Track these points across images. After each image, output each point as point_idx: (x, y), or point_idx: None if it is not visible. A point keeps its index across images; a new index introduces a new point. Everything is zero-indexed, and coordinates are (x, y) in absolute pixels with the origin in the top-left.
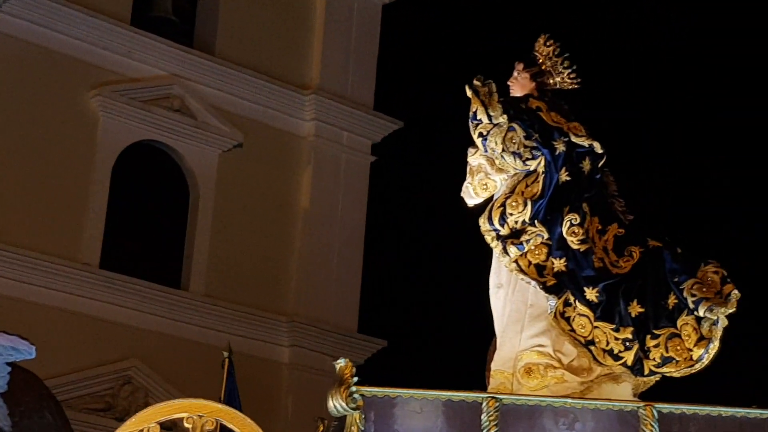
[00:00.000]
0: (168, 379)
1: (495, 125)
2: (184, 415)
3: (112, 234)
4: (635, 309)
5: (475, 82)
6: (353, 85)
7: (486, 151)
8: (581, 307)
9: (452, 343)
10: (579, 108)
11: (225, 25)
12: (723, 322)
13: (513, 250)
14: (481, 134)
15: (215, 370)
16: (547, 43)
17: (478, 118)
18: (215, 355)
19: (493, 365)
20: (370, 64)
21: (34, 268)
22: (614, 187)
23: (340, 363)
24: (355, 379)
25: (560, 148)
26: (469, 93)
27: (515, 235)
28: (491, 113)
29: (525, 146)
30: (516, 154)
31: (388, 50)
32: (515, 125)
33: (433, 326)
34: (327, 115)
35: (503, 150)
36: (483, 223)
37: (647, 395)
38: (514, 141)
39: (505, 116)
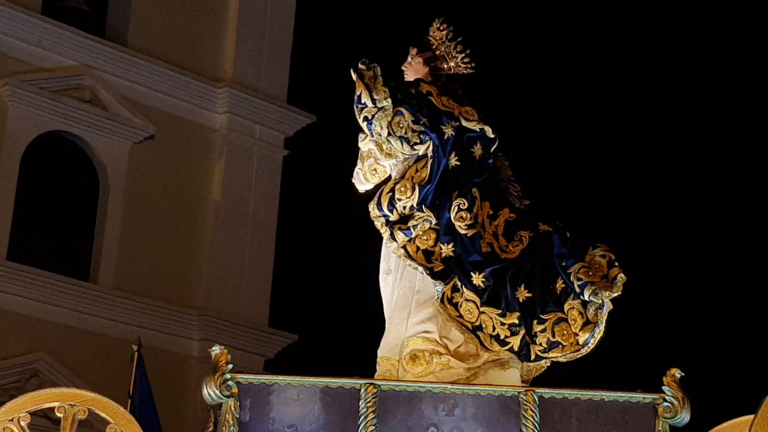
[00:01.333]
0: (76, 372)
1: (379, 109)
2: (56, 404)
3: (21, 225)
4: (522, 294)
5: (360, 66)
6: (266, 78)
7: (372, 135)
8: (468, 293)
9: (364, 336)
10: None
11: (137, 16)
12: (608, 306)
13: (400, 236)
14: (366, 118)
15: (125, 364)
16: (441, 28)
17: (362, 102)
18: (125, 349)
19: (380, 352)
20: (283, 57)
21: None
22: (509, 171)
23: (215, 350)
24: (230, 366)
25: (449, 132)
26: (354, 77)
27: (403, 220)
28: (375, 97)
29: (413, 131)
30: (403, 139)
31: (302, 43)
32: (403, 109)
33: (344, 319)
34: (240, 108)
35: (389, 134)
36: (372, 208)
37: (539, 381)
38: (401, 125)
39: (389, 100)
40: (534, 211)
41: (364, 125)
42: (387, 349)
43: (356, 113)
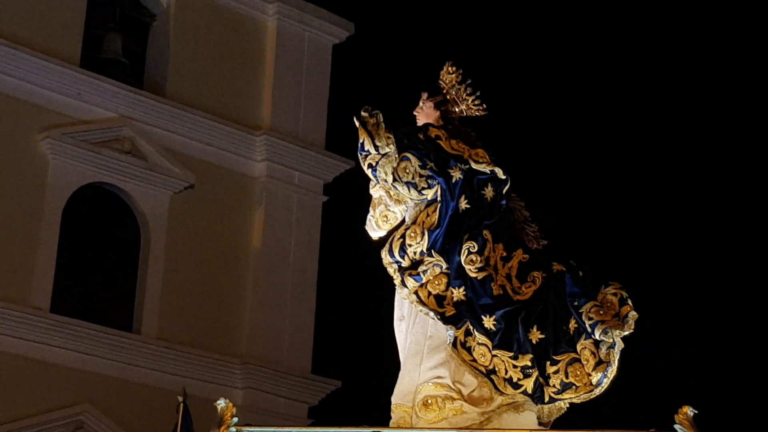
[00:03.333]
0: (121, 424)
1: (383, 155)
2: None
3: (63, 278)
4: (535, 335)
5: (363, 113)
6: (304, 125)
7: (378, 182)
8: (480, 336)
9: None
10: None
11: (175, 66)
12: (620, 345)
13: (411, 282)
14: (370, 165)
15: (170, 415)
16: (450, 71)
17: (365, 149)
18: (169, 399)
19: (393, 399)
20: (320, 103)
21: None
22: (525, 212)
23: (221, 404)
24: (235, 419)
25: (457, 175)
26: (357, 124)
27: (414, 266)
28: (378, 143)
29: (420, 175)
30: (410, 184)
31: (339, 90)
32: (409, 155)
33: (387, 365)
34: (278, 155)
35: (395, 180)
36: (384, 255)
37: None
38: (407, 171)
39: (393, 146)
40: (552, 251)
41: (369, 172)
42: (401, 396)
43: (360, 161)
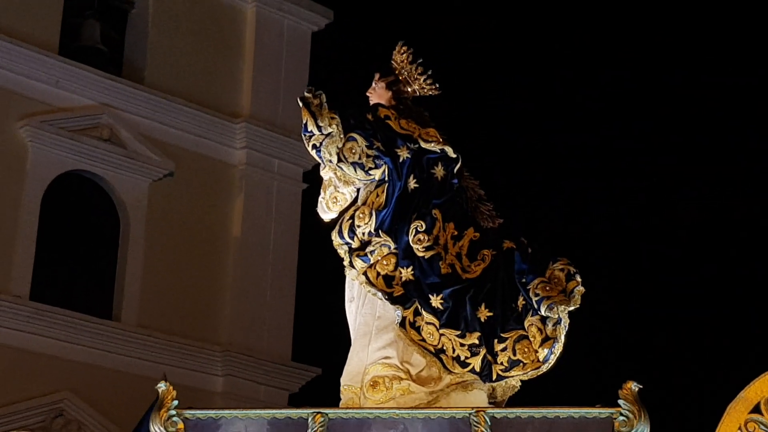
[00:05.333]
0: (102, 411)
1: (326, 136)
2: None
3: (43, 265)
4: (484, 313)
5: (306, 94)
6: (284, 113)
7: (323, 162)
8: (428, 316)
9: None
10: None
11: (154, 54)
12: (565, 321)
13: (359, 263)
14: (314, 146)
15: (150, 401)
16: (401, 51)
17: (309, 129)
18: (149, 386)
19: (342, 380)
20: (300, 91)
21: None
22: (480, 191)
23: (161, 387)
24: (175, 402)
25: (404, 155)
26: (300, 105)
27: (362, 247)
28: (320, 124)
29: (367, 156)
30: (357, 164)
31: (318, 77)
32: (355, 135)
33: None
34: (258, 142)
35: (339, 160)
36: (334, 237)
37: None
38: (353, 151)
39: (337, 127)
40: (507, 230)
41: (313, 153)
42: (349, 377)
43: (305, 142)
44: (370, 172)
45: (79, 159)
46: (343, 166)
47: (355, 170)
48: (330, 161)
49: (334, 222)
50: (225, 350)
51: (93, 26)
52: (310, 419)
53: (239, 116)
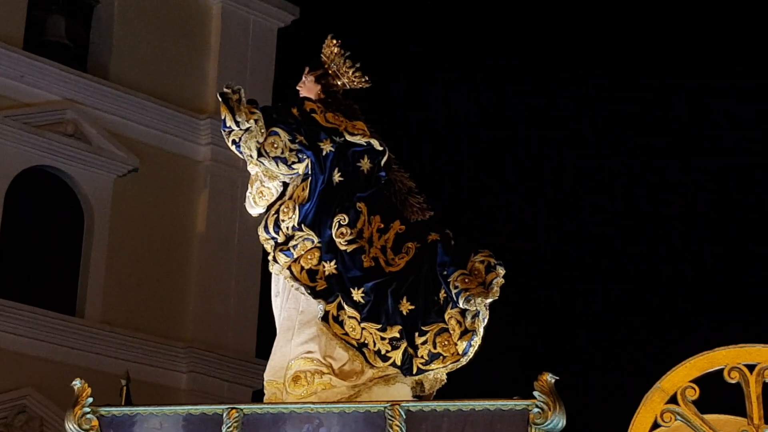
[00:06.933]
0: (64, 407)
1: (245, 131)
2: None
3: (6, 261)
4: (405, 306)
5: (225, 90)
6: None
7: (243, 157)
8: (349, 309)
9: None
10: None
11: (119, 49)
12: (484, 313)
13: (282, 258)
14: (234, 141)
15: (114, 398)
16: (330, 44)
17: (227, 125)
18: (113, 383)
19: (266, 375)
20: (265, 88)
21: None
22: (410, 183)
23: (77, 385)
24: (90, 400)
25: (327, 148)
26: (220, 100)
27: (287, 241)
28: (238, 119)
29: (291, 150)
30: (279, 159)
31: (284, 74)
32: (277, 129)
33: None
34: (223, 138)
35: (260, 155)
36: (260, 232)
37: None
38: (276, 146)
39: (256, 122)
40: (436, 222)
41: (233, 148)
42: (272, 372)
43: (225, 137)
44: (293, 166)
45: (44, 154)
46: (264, 161)
47: (278, 165)
48: (250, 156)
49: (261, 216)
50: (189, 347)
51: (58, 21)
52: (225, 415)
53: (204, 112)
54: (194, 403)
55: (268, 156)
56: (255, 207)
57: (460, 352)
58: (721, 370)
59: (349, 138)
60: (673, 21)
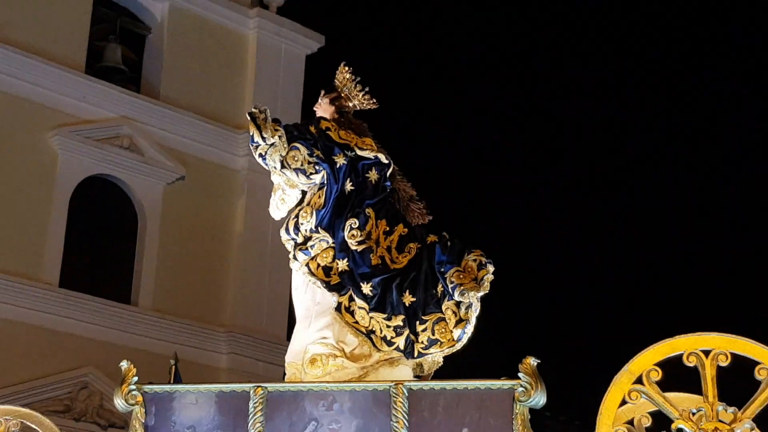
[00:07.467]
0: None
1: (270, 145)
2: None
3: (70, 257)
4: (408, 299)
5: (253, 110)
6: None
7: (269, 168)
8: (359, 301)
9: None
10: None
11: (168, 73)
12: (476, 305)
13: (301, 256)
14: (260, 155)
15: (163, 376)
16: (343, 71)
17: (255, 140)
18: (163, 363)
19: (287, 358)
20: (295, 107)
21: (3, 288)
22: (411, 191)
23: (123, 365)
24: (135, 378)
25: (341, 161)
26: (248, 119)
27: (305, 242)
28: (264, 135)
29: (309, 162)
30: (299, 170)
31: (311, 95)
32: (298, 144)
33: None
34: None
35: (283, 167)
36: (282, 233)
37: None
38: (296, 159)
39: (281, 138)
40: (431, 225)
41: (260, 161)
42: (292, 355)
43: (252, 151)
44: (311, 176)
45: (102, 164)
46: (286, 172)
47: (297, 175)
48: (275, 167)
49: (283, 220)
50: (229, 331)
51: (115, 49)
52: (251, 392)
53: (242, 128)
54: (233, 381)
55: (290, 167)
56: (278, 211)
57: (455, 339)
58: (680, 355)
59: (359, 152)
60: None
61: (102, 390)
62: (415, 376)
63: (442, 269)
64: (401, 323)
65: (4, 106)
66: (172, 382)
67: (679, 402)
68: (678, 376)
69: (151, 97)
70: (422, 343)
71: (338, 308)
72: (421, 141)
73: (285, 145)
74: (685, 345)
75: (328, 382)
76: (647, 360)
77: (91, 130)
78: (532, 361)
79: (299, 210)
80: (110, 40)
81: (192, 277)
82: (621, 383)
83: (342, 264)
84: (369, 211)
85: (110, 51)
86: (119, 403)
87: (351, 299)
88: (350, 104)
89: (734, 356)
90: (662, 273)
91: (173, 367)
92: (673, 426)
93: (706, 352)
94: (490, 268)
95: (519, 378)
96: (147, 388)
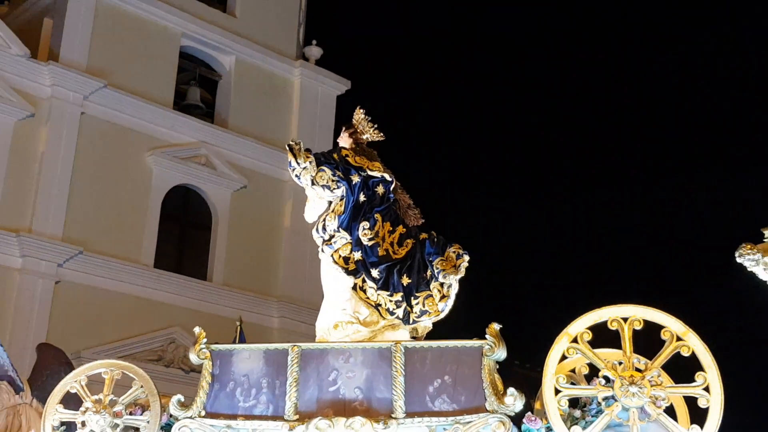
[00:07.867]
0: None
1: (303, 168)
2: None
3: (162, 245)
4: (405, 280)
5: (290, 142)
6: (318, 148)
7: (302, 185)
8: (370, 282)
9: None
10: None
11: (235, 109)
12: (455, 285)
13: (327, 249)
14: (296, 175)
15: (231, 334)
16: (359, 113)
17: (292, 165)
18: (231, 324)
19: (317, 325)
20: (328, 135)
21: (110, 268)
22: (409, 200)
23: (197, 330)
24: (205, 339)
25: (356, 179)
26: (287, 149)
27: (330, 239)
28: (299, 161)
29: (332, 180)
30: (326, 186)
31: (341, 124)
32: (324, 167)
33: None
34: None
35: (313, 184)
36: (313, 232)
37: (430, 335)
38: (323, 178)
39: (311, 163)
40: (424, 226)
41: (295, 179)
42: (320, 323)
43: (290, 173)
44: (335, 191)
45: (186, 176)
46: (316, 188)
47: (324, 190)
48: (307, 184)
49: (314, 223)
50: (279, 301)
51: (195, 91)
52: (289, 349)
53: None
54: (282, 339)
55: (318, 184)
56: (310, 216)
57: (440, 310)
58: (606, 321)
59: (369, 173)
60: None
61: (185, 344)
62: (412, 338)
63: (431, 258)
64: (400, 298)
65: (113, 133)
66: (237, 338)
67: (605, 356)
68: (604, 336)
69: (222, 126)
70: (416, 313)
71: (354, 288)
72: (420, 160)
73: (314, 168)
74: (609, 314)
75: (345, 342)
76: (581, 324)
77: (177, 151)
78: (495, 326)
79: (326, 215)
80: (191, 84)
81: (253, 259)
82: (562, 342)
83: (357, 255)
84: (377, 216)
85: (191, 92)
86: (193, 357)
87: (364, 281)
88: (364, 137)
89: (646, 322)
90: (593, 258)
91: (239, 327)
92: (599, 374)
93: (625, 319)
94: (466, 257)
95: (486, 339)
96: (213, 347)
